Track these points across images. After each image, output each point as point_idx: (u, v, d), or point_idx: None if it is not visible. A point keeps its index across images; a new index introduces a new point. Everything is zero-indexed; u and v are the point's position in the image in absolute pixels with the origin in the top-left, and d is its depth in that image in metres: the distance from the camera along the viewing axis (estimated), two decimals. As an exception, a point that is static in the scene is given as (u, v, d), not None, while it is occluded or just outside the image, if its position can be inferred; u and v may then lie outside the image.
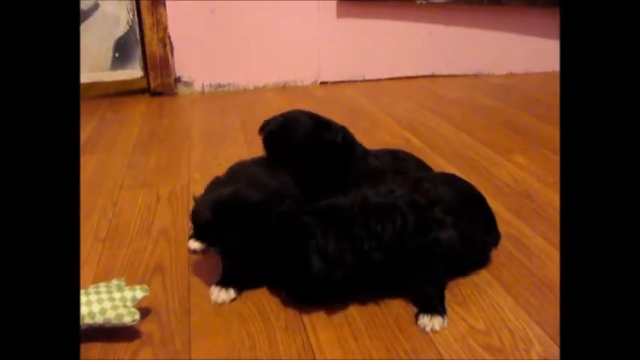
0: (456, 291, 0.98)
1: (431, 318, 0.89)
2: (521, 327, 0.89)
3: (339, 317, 0.91)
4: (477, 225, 1.02)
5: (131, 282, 0.96)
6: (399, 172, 1.12)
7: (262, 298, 0.95)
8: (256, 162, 1.09)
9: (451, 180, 1.11)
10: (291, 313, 0.92)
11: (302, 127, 1.04)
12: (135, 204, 1.29)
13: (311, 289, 0.88)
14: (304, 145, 1.03)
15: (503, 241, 1.09)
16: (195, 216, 0.91)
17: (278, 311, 0.92)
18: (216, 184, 0.99)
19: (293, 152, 1.03)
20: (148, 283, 0.98)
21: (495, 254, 1.07)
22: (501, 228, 1.08)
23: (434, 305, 0.91)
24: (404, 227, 0.89)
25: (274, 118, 1.07)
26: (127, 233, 1.16)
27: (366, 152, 1.14)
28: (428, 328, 0.88)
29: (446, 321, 0.89)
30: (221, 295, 0.93)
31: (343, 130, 1.09)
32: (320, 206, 0.90)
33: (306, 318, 0.91)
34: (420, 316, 0.90)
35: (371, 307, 0.93)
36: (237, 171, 1.04)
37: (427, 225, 0.91)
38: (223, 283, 0.94)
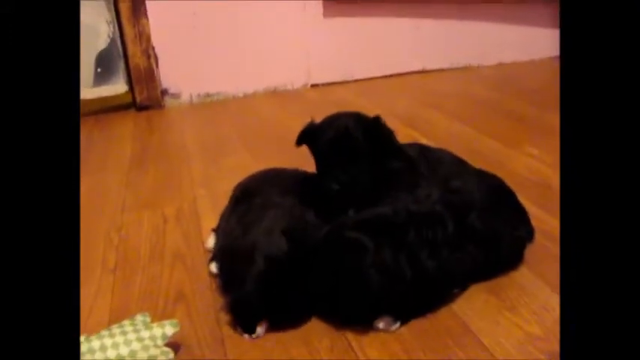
0: (503, 295, 0.92)
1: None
2: (581, 328, 0.83)
3: (385, 333, 0.84)
4: (508, 220, 0.97)
5: (153, 314, 0.87)
6: (430, 163, 1.06)
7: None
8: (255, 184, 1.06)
9: (479, 175, 1.06)
10: (334, 332, 0.84)
11: (358, 126, 0.97)
12: (141, 227, 1.20)
13: (371, 308, 0.81)
14: (367, 144, 0.97)
15: (537, 237, 1.03)
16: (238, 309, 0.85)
17: (320, 332, 0.85)
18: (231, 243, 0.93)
19: (357, 151, 0.96)
20: (171, 314, 0.90)
21: (532, 251, 1.01)
22: (532, 223, 1.03)
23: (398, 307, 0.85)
24: (449, 234, 0.84)
25: (327, 125, 1.00)
26: (138, 260, 1.07)
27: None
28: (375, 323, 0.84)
29: (396, 325, 0.84)
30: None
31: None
32: (365, 218, 0.83)
33: (351, 336, 0.83)
34: None
35: (418, 321, 0.86)
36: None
37: (463, 235, 0.87)
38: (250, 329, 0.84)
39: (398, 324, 0.84)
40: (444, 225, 0.84)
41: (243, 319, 0.85)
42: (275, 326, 0.85)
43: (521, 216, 1.00)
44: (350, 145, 0.96)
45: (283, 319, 0.85)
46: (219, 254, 0.99)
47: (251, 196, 1.01)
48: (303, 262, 0.83)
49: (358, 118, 1.01)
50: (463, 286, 0.91)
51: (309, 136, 1.02)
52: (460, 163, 1.09)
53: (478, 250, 0.88)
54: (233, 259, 0.90)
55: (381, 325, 0.84)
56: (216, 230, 1.07)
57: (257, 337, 0.83)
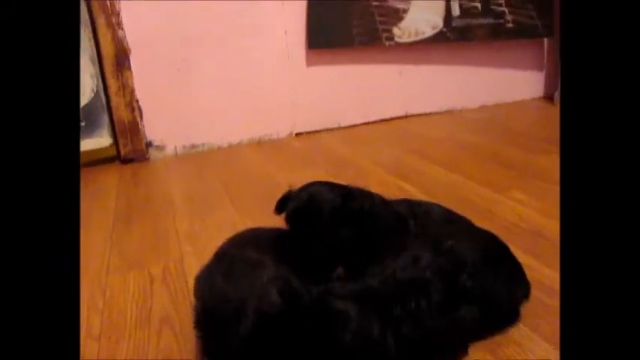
0: (500, 353, 0.90)
1: None
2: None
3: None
4: (503, 280, 0.95)
5: (140, 386, 0.84)
6: (418, 219, 1.05)
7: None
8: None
9: (471, 231, 1.05)
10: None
11: (328, 201, 0.96)
12: (127, 289, 1.17)
13: None
14: (333, 219, 0.95)
15: (532, 289, 1.02)
16: None
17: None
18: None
19: (321, 228, 0.95)
20: (159, 384, 0.87)
21: (528, 304, 1.00)
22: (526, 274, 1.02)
23: None
24: (434, 302, 0.83)
25: (296, 195, 0.99)
26: (123, 326, 1.04)
27: (385, 201, 1.07)
28: None
29: None
30: None
31: (368, 196, 1.02)
32: (352, 289, 0.81)
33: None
34: None
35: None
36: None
37: (454, 298, 0.85)
38: None
39: None
40: (432, 293, 0.82)
41: None
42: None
43: (516, 273, 0.98)
44: (312, 214, 0.96)
45: None
46: (202, 317, 0.95)
47: (233, 257, 0.99)
48: (294, 324, 0.80)
49: (327, 188, 1.01)
50: (464, 348, 0.89)
51: (283, 204, 1.02)
52: (451, 219, 1.08)
53: (473, 309, 0.86)
54: (220, 319, 0.86)
55: None
56: (195, 294, 1.02)
57: None
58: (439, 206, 1.13)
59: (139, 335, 1.00)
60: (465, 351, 0.89)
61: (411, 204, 1.11)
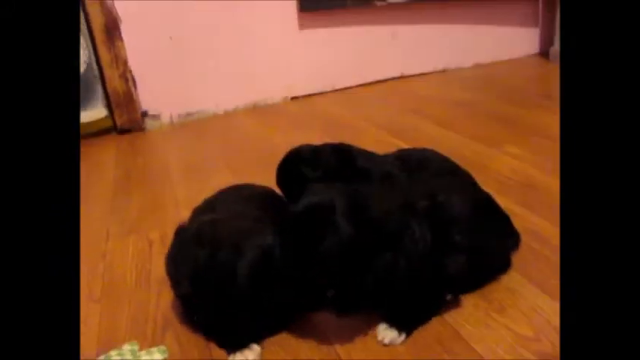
0: (491, 298, 0.93)
1: (387, 328, 0.85)
2: (571, 328, 0.83)
3: (374, 344, 0.84)
4: (494, 233, 0.97)
5: (142, 342, 0.87)
6: (411, 175, 1.07)
7: (289, 339, 0.88)
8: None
9: (464, 187, 1.06)
10: (323, 347, 0.84)
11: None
12: (126, 253, 1.19)
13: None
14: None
15: (523, 238, 1.04)
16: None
17: (309, 348, 0.84)
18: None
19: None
20: (160, 341, 0.89)
21: (518, 252, 1.02)
22: (516, 224, 1.03)
23: (399, 318, 0.86)
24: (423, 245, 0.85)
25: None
26: (124, 288, 1.06)
27: (372, 158, 1.09)
28: (379, 338, 0.85)
29: (401, 338, 0.84)
30: (246, 356, 0.83)
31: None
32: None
33: (340, 350, 0.83)
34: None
35: (408, 330, 0.86)
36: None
37: (441, 249, 0.87)
38: (241, 344, 0.84)
39: (403, 336, 0.84)
40: (420, 236, 0.84)
41: (236, 332, 0.85)
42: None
43: (506, 226, 1.00)
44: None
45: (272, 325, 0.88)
46: (194, 289, 0.87)
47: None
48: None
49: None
50: (456, 292, 0.91)
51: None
52: (446, 169, 1.09)
53: (460, 259, 0.89)
54: (212, 279, 0.84)
55: (386, 340, 0.84)
56: (174, 275, 0.94)
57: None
58: (434, 153, 1.14)
59: (139, 296, 1.03)
60: (456, 297, 0.92)
61: (402, 156, 1.12)
